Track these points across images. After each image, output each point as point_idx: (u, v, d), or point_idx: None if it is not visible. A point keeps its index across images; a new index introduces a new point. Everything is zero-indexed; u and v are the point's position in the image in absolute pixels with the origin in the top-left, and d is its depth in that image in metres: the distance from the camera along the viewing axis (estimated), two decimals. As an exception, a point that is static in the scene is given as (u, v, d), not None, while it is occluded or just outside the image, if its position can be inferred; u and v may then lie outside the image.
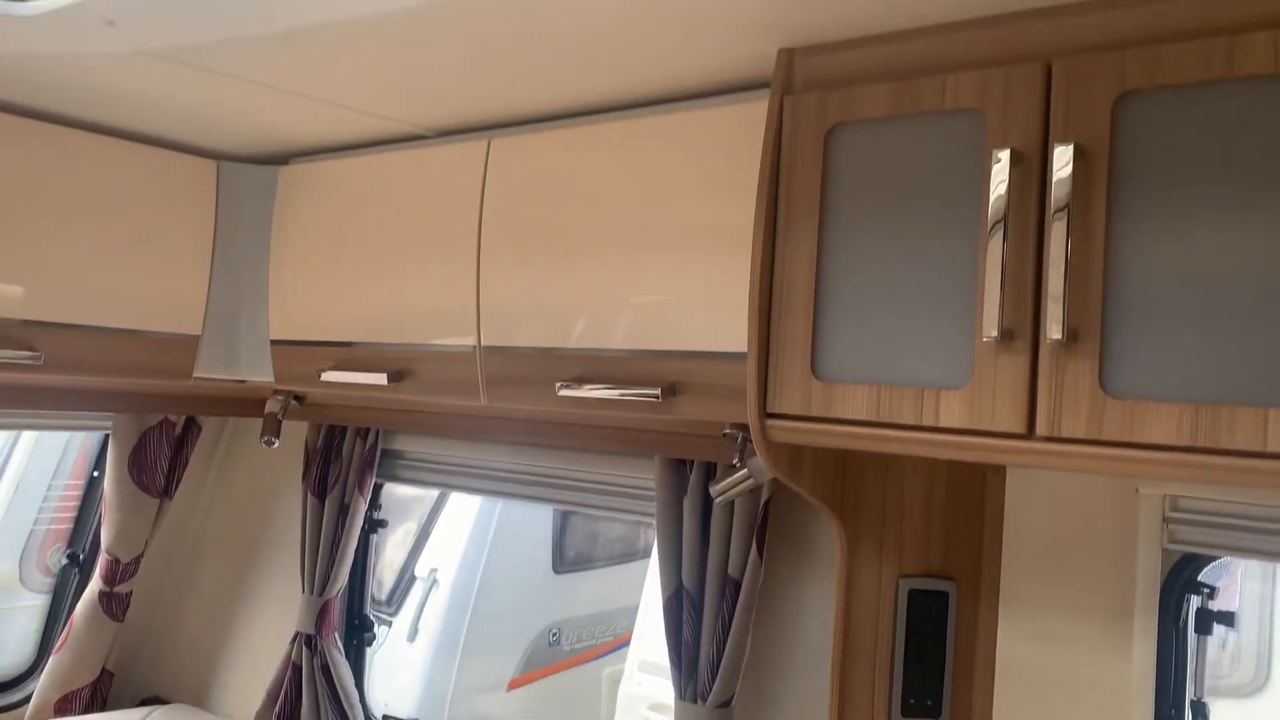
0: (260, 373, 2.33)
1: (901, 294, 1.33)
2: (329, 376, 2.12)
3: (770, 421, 1.43)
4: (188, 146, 2.25)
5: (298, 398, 2.54)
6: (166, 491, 2.76)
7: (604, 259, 1.75)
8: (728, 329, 1.59)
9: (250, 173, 2.32)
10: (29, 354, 2.01)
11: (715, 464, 1.90)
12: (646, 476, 2.09)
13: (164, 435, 2.72)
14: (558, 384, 1.75)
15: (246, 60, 1.63)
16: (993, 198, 1.22)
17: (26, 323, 2.02)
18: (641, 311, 1.71)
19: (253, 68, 1.68)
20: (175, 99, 1.89)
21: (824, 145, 1.41)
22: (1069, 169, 1.17)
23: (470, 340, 1.91)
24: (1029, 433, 1.21)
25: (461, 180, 1.95)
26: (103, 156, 2.11)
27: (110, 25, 1.38)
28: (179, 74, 1.71)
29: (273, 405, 2.53)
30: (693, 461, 1.94)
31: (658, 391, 1.64)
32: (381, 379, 2.02)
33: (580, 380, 1.75)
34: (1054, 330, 1.17)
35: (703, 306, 1.64)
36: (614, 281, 1.74)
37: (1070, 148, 1.17)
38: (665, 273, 1.68)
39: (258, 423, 2.58)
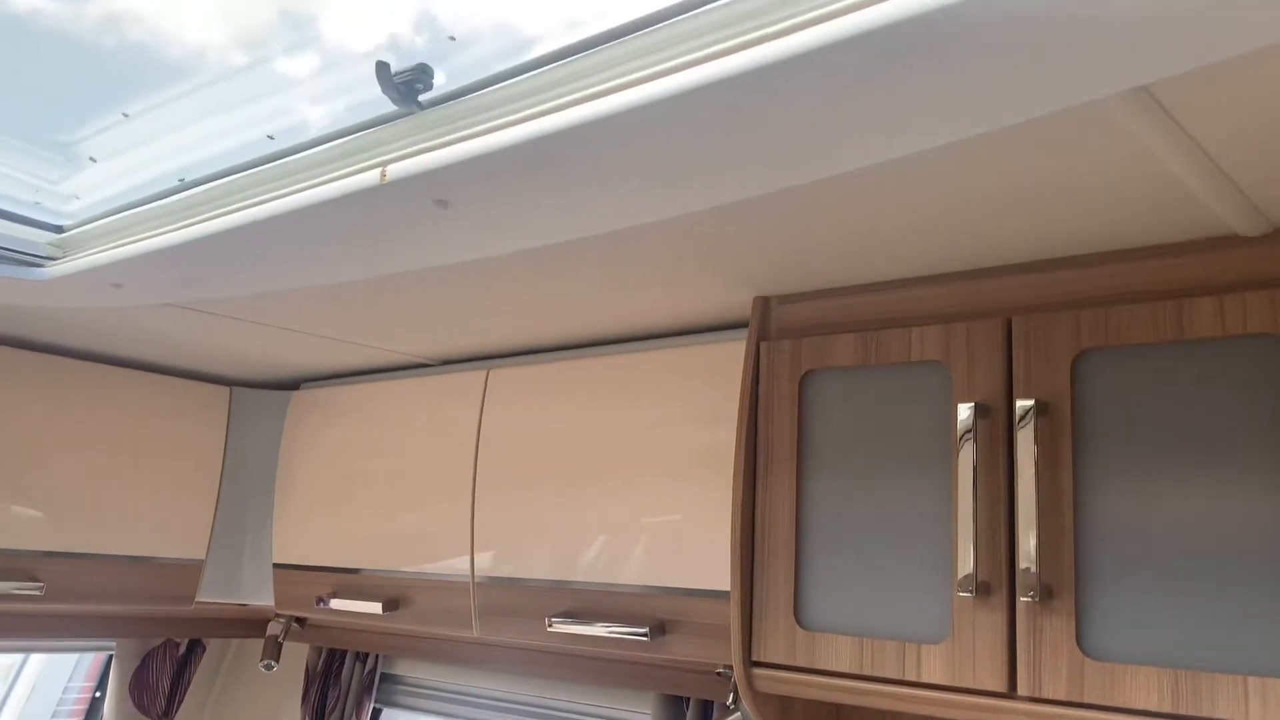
0: (262, 597, 2.33)
1: (879, 541, 1.32)
2: (325, 604, 2.11)
3: (756, 670, 1.41)
4: (202, 375, 2.33)
5: (299, 620, 2.52)
6: (167, 714, 2.71)
7: (593, 491, 1.77)
8: (718, 566, 1.58)
9: (262, 398, 2.39)
10: (32, 585, 2.03)
11: (712, 703, 1.85)
12: (644, 711, 2.03)
13: (168, 656, 2.69)
14: (548, 618, 1.73)
15: (254, 309, 1.71)
16: (960, 452, 1.23)
17: (31, 553, 2.05)
18: (630, 545, 1.71)
19: (261, 315, 1.76)
20: (189, 339, 1.98)
21: (799, 390, 1.44)
22: (1031, 425, 1.18)
23: (464, 570, 1.91)
24: (1010, 692, 1.18)
25: (461, 409, 2.00)
26: (114, 386, 2.18)
27: (117, 288, 1.46)
28: (191, 319, 1.79)
29: (274, 628, 2.51)
30: (689, 700, 1.89)
31: (646, 630, 1.62)
32: (376, 608, 2.01)
33: (570, 615, 1.73)
34: (1028, 589, 1.15)
35: (692, 542, 1.64)
36: (603, 514, 1.75)
37: (1032, 403, 1.19)
38: (654, 506, 1.69)
39: (261, 643, 2.56)
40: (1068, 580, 1.16)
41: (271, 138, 1.18)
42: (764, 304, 1.52)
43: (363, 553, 2.12)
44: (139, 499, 2.21)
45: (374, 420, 2.18)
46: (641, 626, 1.63)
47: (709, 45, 0.83)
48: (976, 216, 1.15)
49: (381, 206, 1.04)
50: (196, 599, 2.30)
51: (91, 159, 1.32)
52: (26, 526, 2.06)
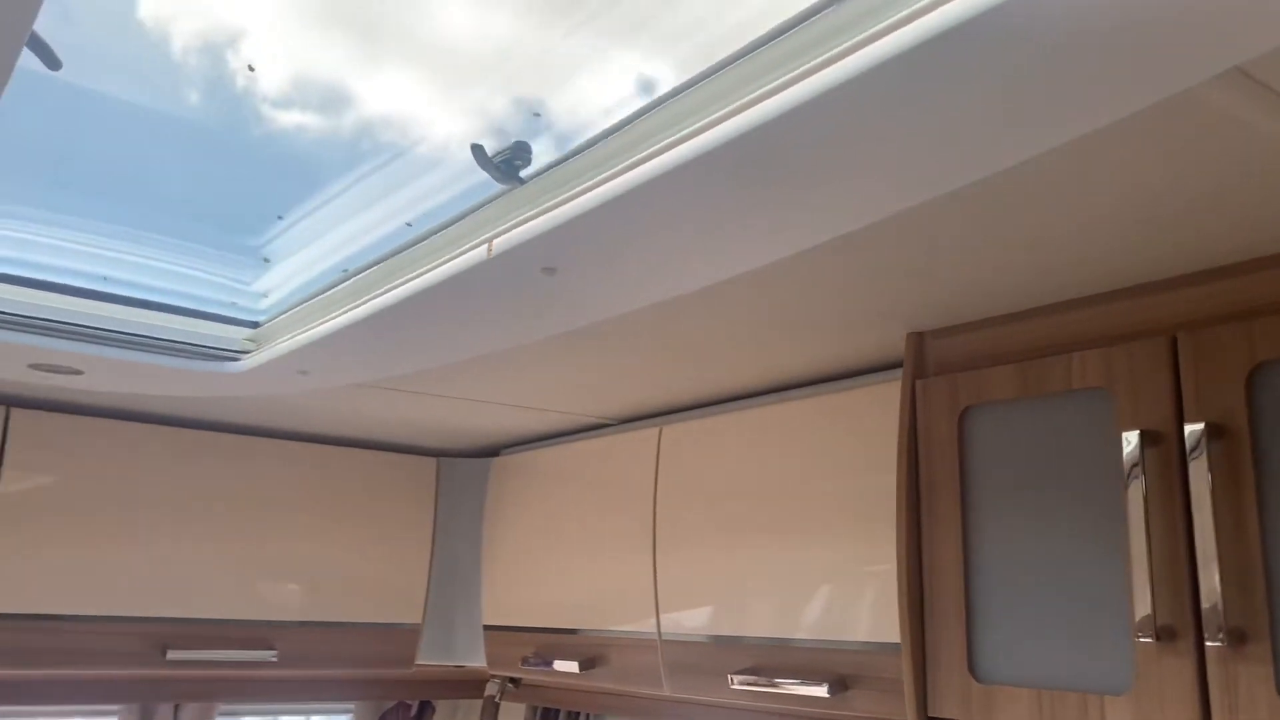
0: (476, 658, 2.43)
1: (1051, 584, 1.23)
2: (531, 664, 2.18)
3: (933, 726, 1.33)
4: (409, 447, 2.48)
5: (513, 680, 2.60)
6: (404, 773, 2.86)
7: (764, 543, 1.74)
8: (892, 617, 1.51)
9: (467, 466, 2.52)
10: (269, 653, 2.21)
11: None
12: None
13: (400, 718, 2.84)
14: (729, 675, 1.71)
15: (440, 383, 1.82)
16: (1129, 484, 1.13)
17: (267, 623, 2.23)
18: (805, 598, 1.67)
19: (447, 388, 1.87)
20: (386, 415, 2.12)
21: (958, 427, 1.37)
22: (1204, 450, 1.07)
23: (650, 628, 1.92)
24: (1207, 749, 1.06)
25: (638, 466, 2.03)
26: (333, 463, 2.36)
27: (304, 374, 1.60)
28: (384, 397, 1.93)
29: (491, 689, 2.60)
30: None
31: (825, 688, 1.57)
32: (574, 667, 2.05)
33: (752, 672, 1.71)
34: (1216, 631, 1.04)
35: (865, 593, 1.58)
36: (775, 566, 1.72)
37: (1203, 426, 1.08)
38: (826, 557, 1.64)
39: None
40: (1260, 620, 1.03)
41: (409, 224, 1.26)
42: (918, 340, 1.47)
43: (562, 612, 2.17)
44: (359, 568, 2.36)
45: (566, 482, 2.24)
46: (820, 683, 1.58)
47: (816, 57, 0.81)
48: (1134, 228, 1.07)
49: (493, 278, 1.10)
50: (416, 662, 2.43)
51: (265, 259, 1.45)
52: (262, 598, 2.25)
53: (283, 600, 2.27)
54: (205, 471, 2.21)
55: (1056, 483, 1.25)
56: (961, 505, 1.34)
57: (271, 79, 1.14)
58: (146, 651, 2.11)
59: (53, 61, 0.90)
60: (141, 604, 2.13)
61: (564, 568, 2.19)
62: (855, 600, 1.60)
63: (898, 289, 1.31)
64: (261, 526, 2.26)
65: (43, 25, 0.86)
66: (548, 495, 2.28)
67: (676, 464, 1.95)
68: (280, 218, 1.32)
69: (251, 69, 1.09)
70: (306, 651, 2.28)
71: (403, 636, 2.42)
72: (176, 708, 2.33)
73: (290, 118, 1.22)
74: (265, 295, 1.60)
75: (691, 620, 1.85)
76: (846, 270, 1.23)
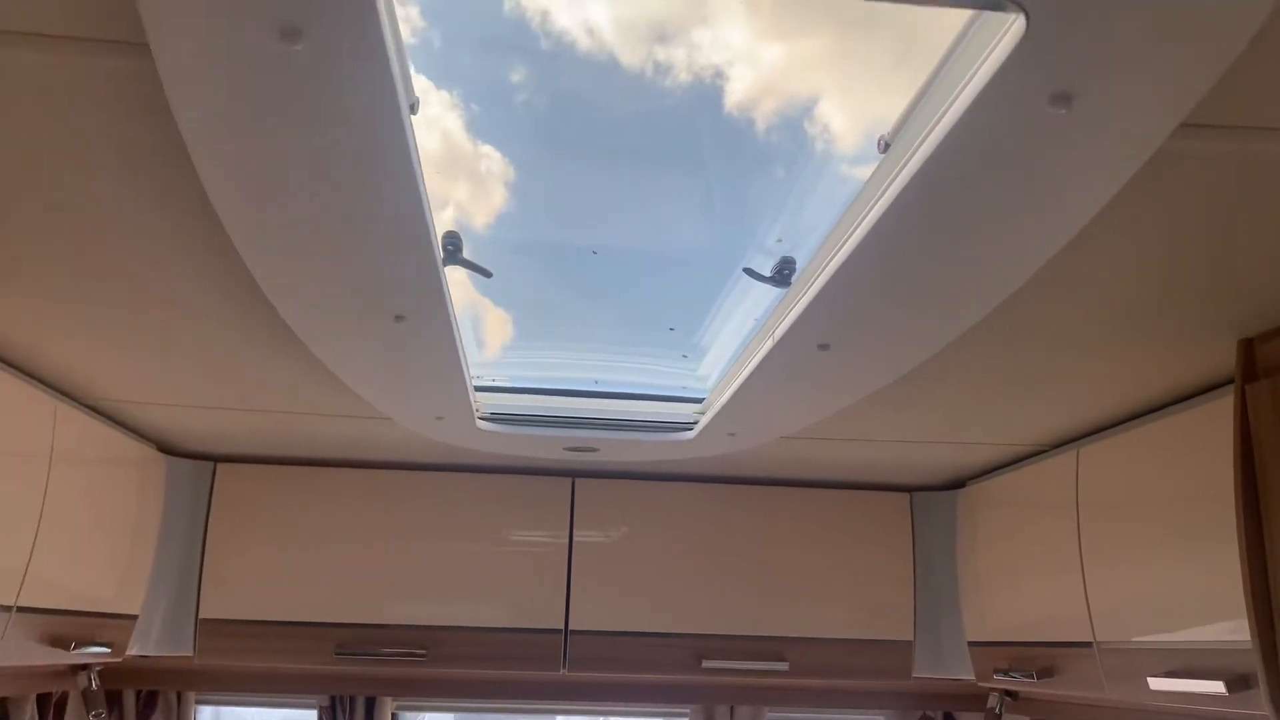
0: (963, 670, 2.66)
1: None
2: (999, 676, 2.37)
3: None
4: (880, 485, 2.82)
5: (1010, 694, 2.77)
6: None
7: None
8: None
9: (935, 499, 2.79)
10: (781, 664, 2.68)
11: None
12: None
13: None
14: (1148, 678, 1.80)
15: (868, 425, 2.15)
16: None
17: (780, 638, 2.70)
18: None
19: (874, 430, 2.19)
20: (844, 458, 2.49)
21: (1288, 429, 1.40)
22: None
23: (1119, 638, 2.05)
24: None
25: (1060, 493, 2.17)
26: (816, 504, 2.79)
27: (731, 436, 2.05)
28: (824, 447, 2.32)
29: (991, 701, 2.80)
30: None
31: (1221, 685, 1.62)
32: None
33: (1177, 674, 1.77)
34: None
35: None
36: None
37: None
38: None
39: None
40: None
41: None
42: (1247, 346, 1.51)
43: (1032, 627, 2.34)
44: (852, 591, 2.75)
45: (1024, 506, 2.42)
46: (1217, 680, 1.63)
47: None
48: None
49: (777, 359, 1.46)
50: (913, 674, 2.74)
51: (700, 347, 1.92)
52: (775, 618, 2.72)
53: (792, 619, 2.73)
54: (723, 517, 2.77)
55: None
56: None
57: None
58: (689, 661, 2.70)
59: (484, 273, 1.46)
60: (686, 623, 2.73)
61: (1038, 584, 2.33)
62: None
63: (1227, 297, 1.39)
64: (768, 559, 2.75)
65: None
66: (1009, 519, 2.46)
67: (1096, 485, 2.06)
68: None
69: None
70: (813, 662, 2.71)
71: (896, 650, 2.74)
72: (731, 709, 2.91)
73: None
74: (707, 376, 2.09)
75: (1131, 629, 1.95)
76: (1179, 284, 1.36)
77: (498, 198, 1.46)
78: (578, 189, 1.53)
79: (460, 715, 3.48)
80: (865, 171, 1.21)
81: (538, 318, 1.97)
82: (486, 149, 1.36)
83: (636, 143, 1.42)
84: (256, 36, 0.80)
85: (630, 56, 1.20)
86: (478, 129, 1.30)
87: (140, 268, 1.41)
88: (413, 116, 1.02)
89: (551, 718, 3.27)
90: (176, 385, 2.04)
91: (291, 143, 0.94)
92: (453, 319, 1.52)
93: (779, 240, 1.36)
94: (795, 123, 1.27)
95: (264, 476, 2.70)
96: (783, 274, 1.39)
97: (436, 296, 1.40)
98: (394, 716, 2.94)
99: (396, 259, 1.27)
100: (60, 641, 2.17)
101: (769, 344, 1.57)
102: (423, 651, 2.62)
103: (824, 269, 1.29)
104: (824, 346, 1.43)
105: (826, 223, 1.30)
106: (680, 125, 1.34)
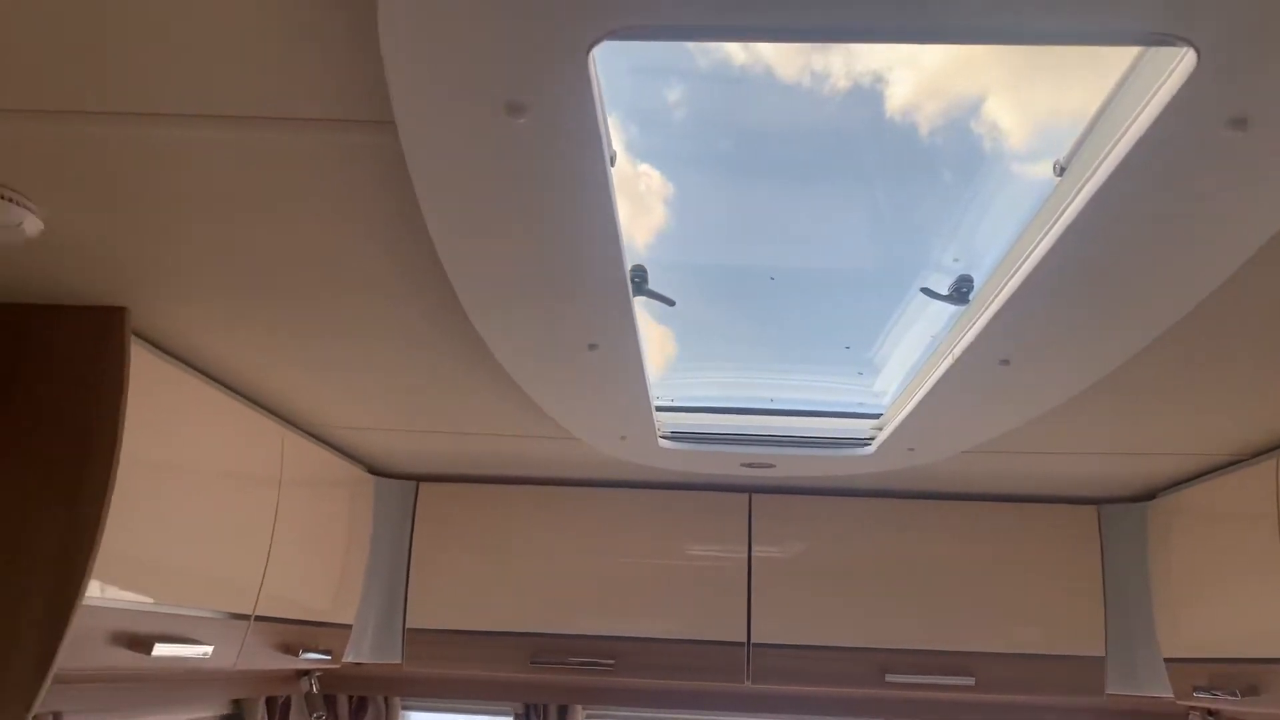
0: (1157, 688, 2.59)
1: None
2: (1200, 694, 2.30)
3: None
4: (1065, 498, 2.77)
5: (1212, 712, 2.67)
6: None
7: None
8: None
9: (1124, 511, 2.72)
10: (968, 679, 2.66)
11: None
12: None
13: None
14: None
15: (1051, 438, 2.13)
16: None
17: (965, 653, 2.69)
18: None
19: (1057, 443, 2.17)
20: (1026, 471, 2.47)
21: None
22: None
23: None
24: None
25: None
26: (997, 518, 2.76)
27: (911, 451, 2.08)
28: (1005, 460, 2.31)
29: (1194, 717, 2.70)
30: None
31: None
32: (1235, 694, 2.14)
33: None
34: None
35: None
36: None
37: None
38: None
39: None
40: None
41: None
42: None
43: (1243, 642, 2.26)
44: (1033, 606, 2.71)
45: (1221, 517, 2.34)
46: None
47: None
48: None
49: (957, 375, 1.49)
50: (1106, 691, 2.67)
51: (874, 364, 1.96)
52: (961, 633, 2.71)
53: (978, 633, 2.71)
54: (901, 532, 2.79)
55: None
56: None
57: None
58: (871, 674, 2.72)
59: (668, 302, 1.56)
60: (869, 637, 2.75)
61: (1239, 597, 2.26)
62: None
63: None
64: (950, 573, 2.74)
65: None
66: (1212, 530, 2.39)
67: None
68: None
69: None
70: (999, 678, 2.68)
71: (1087, 667, 2.68)
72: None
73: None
74: (883, 392, 2.13)
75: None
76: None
77: (657, 216, 1.49)
78: (739, 206, 1.54)
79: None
80: (1037, 169, 1.21)
81: (705, 336, 2.03)
82: (645, 168, 1.38)
83: (798, 156, 1.41)
84: (486, 112, 0.91)
85: (787, 68, 1.20)
86: (636, 149, 1.32)
87: (369, 311, 1.58)
88: (611, 168, 1.12)
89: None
90: (391, 411, 2.23)
91: (511, 203, 1.06)
92: (641, 345, 1.63)
93: (955, 260, 1.40)
94: (960, 123, 1.26)
95: (461, 494, 2.89)
96: (960, 291, 1.44)
97: (627, 325, 1.51)
98: (584, 723, 3.07)
99: (593, 295, 1.38)
100: (289, 648, 2.39)
101: (948, 360, 1.60)
102: (611, 661, 2.74)
103: (1004, 287, 1.32)
104: (1005, 362, 1.46)
105: (1004, 242, 1.33)
106: (840, 135, 1.34)
